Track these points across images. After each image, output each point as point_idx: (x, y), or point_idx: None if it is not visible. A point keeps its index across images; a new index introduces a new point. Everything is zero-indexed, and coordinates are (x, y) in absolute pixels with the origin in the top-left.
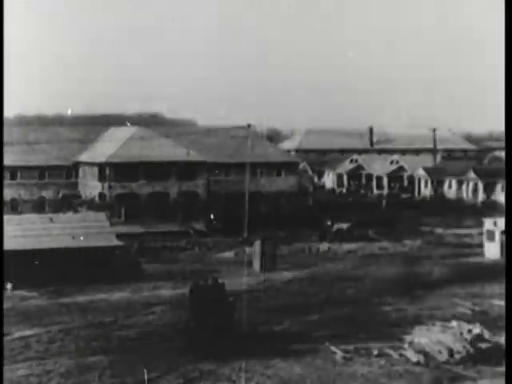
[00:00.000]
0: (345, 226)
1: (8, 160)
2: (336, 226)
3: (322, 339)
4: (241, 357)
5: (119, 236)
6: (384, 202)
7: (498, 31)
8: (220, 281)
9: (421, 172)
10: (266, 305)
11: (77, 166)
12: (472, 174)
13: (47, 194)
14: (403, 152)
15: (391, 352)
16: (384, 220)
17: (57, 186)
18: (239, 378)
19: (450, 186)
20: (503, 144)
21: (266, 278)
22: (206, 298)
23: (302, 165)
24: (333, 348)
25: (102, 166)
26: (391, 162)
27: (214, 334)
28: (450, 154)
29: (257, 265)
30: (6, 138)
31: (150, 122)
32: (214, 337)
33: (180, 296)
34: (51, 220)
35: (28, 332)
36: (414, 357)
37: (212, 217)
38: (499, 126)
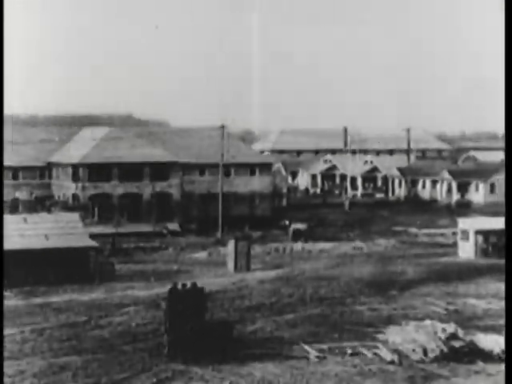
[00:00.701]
0: (302, 226)
1: None
2: (293, 227)
3: (296, 339)
4: (214, 356)
5: (92, 236)
6: (347, 203)
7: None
8: (199, 285)
9: (395, 172)
10: (239, 305)
11: (50, 166)
12: (446, 174)
13: (21, 194)
14: (377, 152)
15: (365, 351)
16: (347, 220)
17: (30, 187)
18: (213, 378)
19: (423, 186)
20: (477, 144)
21: (240, 278)
22: (183, 302)
23: (276, 165)
24: (307, 347)
25: (75, 167)
26: (365, 163)
27: (189, 337)
28: (423, 154)
29: (230, 265)
30: None
31: (123, 123)
32: (189, 339)
33: (153, 296)
34: (25, 220)
35: None
36: (388, 356)
37: None
38: (473, 126)
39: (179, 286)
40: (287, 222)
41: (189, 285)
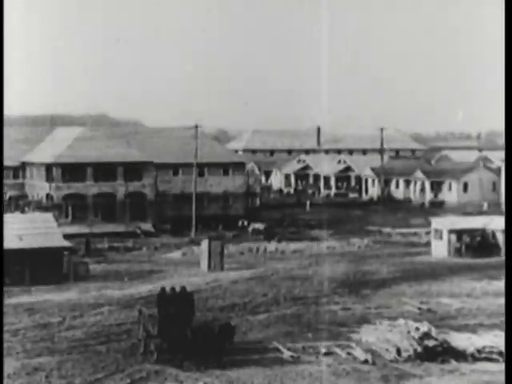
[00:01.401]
0: (261, 226)
1: None
2: (252, 226)
3: (270, 338)
4: (188, 357)
5: (66, 236)
6: (308, 203)
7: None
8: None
9: (368, 172)
10: (213, 304)
11: (24, 166)
12: (419, 174)
13: None
14: (351, 152)
15: (339, 351)
16: (321, 220)
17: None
18: (187, 379)
19: (397, 186)
20: (450, 144)
21: (214, 278)
22: (173, 305)
23: (250, 165)
24: (280, 347)
25: (49, 167)
26: (339, 162)
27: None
28: (397, 154)
29: (204, 265)
30: None
31: (98, 123)
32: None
33: (127, 296)
34: None
35: None
36: (361, 355)
37: None
38: (447, 126)
39: (168, 290)
40: (246, 222)
41: (178, 289)
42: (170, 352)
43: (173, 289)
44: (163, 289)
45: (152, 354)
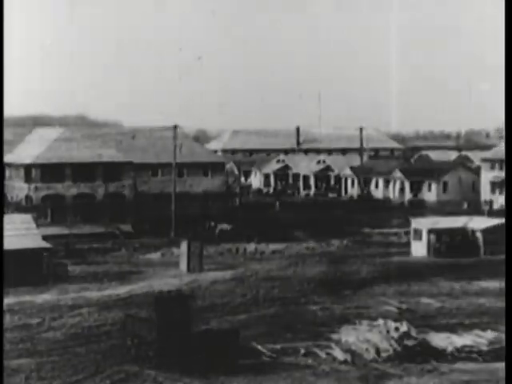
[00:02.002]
0: (228, 227)
1: None
2: (219, 227)
3: (249, 339)
4: (165, 357)
5: (46, 238)
6: (277, 204)
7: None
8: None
9: (348, 171)
10: (192, 305)
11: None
12: (399, 173)
13: None
14: (330, 152)
15: (318, 351)
16: (300, 220)
17: None
18: (166, 380)
19: (376, 186)
20: (430, 143)
21: (193, 279)
22: (171, 310)
23: (229, 165)
24: (259, 347)
25: (28, 168)
26: (318, 162)
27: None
28: (376, 154)
29: (183, 265)
30: None
31: (76, 123)
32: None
33: (106, 298)
34: None
35: None
36: (341, 355)
37: None
38: (428, 126)
39: (165, 294)
40: (213, 223)
41: (174, 292)
42: (170, 357)
43: (169, 292)
44: (161, 292)
45: (151, 360)
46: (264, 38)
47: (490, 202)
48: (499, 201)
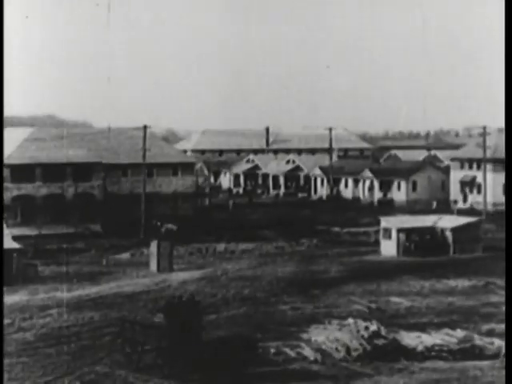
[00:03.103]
0: (174, 226)
1: None
2: (165, 227)
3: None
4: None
5: (15, 238)
6: (231, 203)
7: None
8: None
9: (317, 171)
10: (162, 305)
11: None
12: (368, 173)
13: None
14: (299, 151)
15: (288, 350)
16: (270, 220)
17: None
18: (136, 380)
19: (346, 185)
20: (399, 143)
21: (163, 279)
22: (181, 316)
23: (199, 165)
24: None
25: None
26: (287, 162)
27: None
28: (346, 154)
29: (153, 265)
30: None
31: (46, 123)
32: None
33: (76, 298)
34: None
35: None
36: (311, 355)
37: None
38: (396, 126)
39: (177, 300)
40: (159, 223)
41: (185, 298)
42: (181, 365)
43: (180, 297)
44: (172, 297)
45: (161, 368)
46: (232, 35)
47: (464, 196)
48: (469, 200)
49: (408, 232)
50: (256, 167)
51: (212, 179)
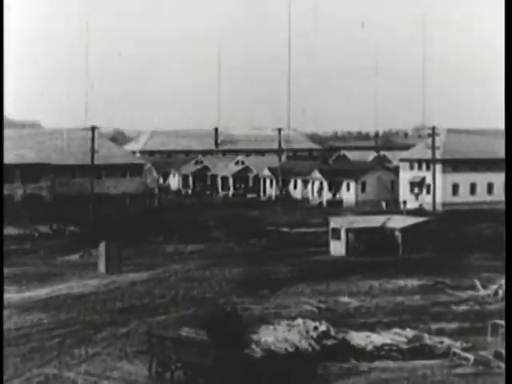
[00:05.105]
0: (76, 229)
1: None
2: (68, 230)
3: None
4: (85, 361)
5: None
6: (156, 202)
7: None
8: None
9: (266, 172)
10: (111, 307)
11: None
12: (317, 174)
13: None
14: (248, 152)
15: None
16: (219, 221)
17: None
18: (85, 382)
19: (295, 186)
20: (347, 144)
21: (112, 280)
22: (225, 331)
23: (147, 166)
24: None
25: None
26: (236, 163)
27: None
28: (295, 154)
29: (102, 267)
30: None
31: None
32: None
33: (25, 300)
34: None
35: None
36: (260, 355)
37: None
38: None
39: (220, 312)
40: (62, 226)
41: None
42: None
43: (223, 310)
44: (214, 311)
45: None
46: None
47: (414, 197)
48: (418, 200)
49: (357, 232)
50: (205, 168)
51: (161, 180)
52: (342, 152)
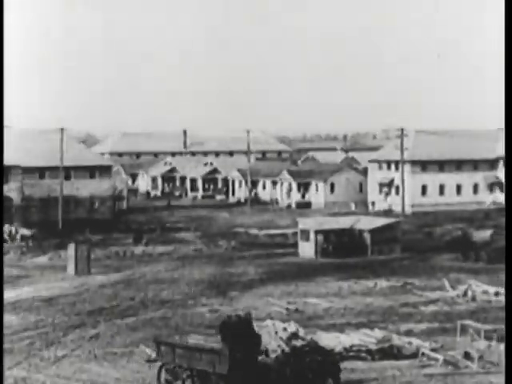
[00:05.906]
0: (29, 232)
1: None
2: (20, 232)
3: (137, 342)
4: (54, 363)
5: None
6: (124, 204)
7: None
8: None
9: (235, 173)
10: (80, 309)
11: None
12: (286, 175)
13: None
14: (217, 154)
15: None
16: (188, 222)
17: None
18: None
19: (264, 187)
20: (316, 145)
21: (81, 282)
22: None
23: (116, 168)
24: (148, 350)
25: None
26: (205, 164)
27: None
28: (263, 156)
29: (71, 269)
30: None
31: None
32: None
33: None
34: None
35: None
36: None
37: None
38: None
39: (234, 319)
40: (14, 229)
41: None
42: None
43: (238, 316)
44: (229, 317)
45: None
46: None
47: (383, 198)
48: (388, 201)
49: (326, 233)
50: (174, 170)
51: (129, 182)
52: (311, 153)
